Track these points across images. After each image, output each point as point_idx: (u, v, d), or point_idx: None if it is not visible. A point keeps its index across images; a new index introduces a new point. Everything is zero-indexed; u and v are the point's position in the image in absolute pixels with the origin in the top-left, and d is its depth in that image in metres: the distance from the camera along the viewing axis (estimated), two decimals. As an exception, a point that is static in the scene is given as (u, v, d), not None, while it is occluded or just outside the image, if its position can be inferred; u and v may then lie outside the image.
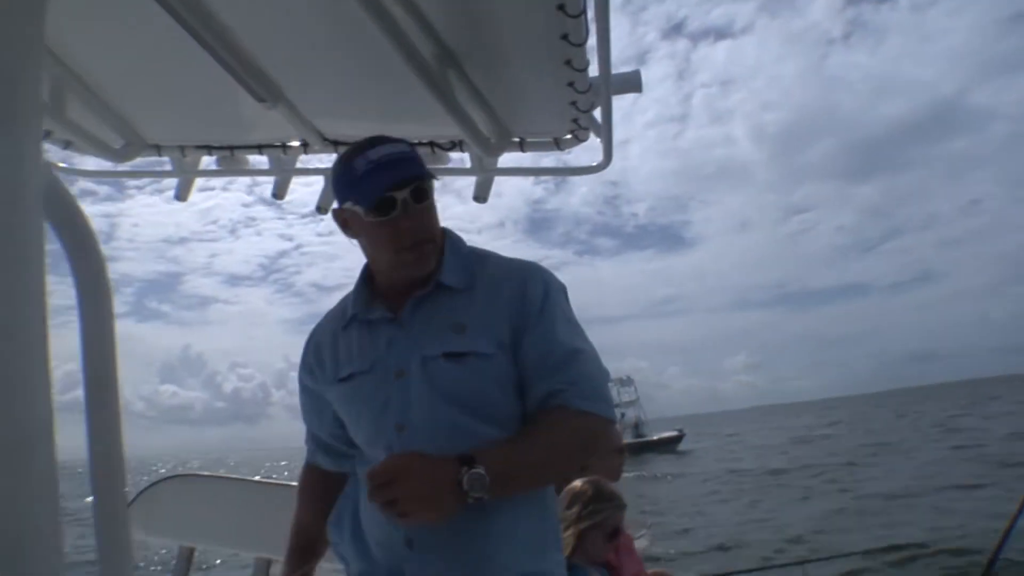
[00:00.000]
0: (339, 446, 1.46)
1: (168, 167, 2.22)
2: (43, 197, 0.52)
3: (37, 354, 0.50)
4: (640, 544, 3.40)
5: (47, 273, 0.52)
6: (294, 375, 1.53)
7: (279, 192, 2.22)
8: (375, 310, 1.35)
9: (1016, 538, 4.27)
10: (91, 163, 2.14)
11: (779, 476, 22.04)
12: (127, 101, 1.89)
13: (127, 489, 0.80)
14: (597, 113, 1.76)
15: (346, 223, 1.33)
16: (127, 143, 2.02)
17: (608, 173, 1.99)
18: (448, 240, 1.37)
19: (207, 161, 2.20)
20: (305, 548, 1.50)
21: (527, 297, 1.30)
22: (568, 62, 1.44)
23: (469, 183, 2.22)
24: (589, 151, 1.98)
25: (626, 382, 47.15)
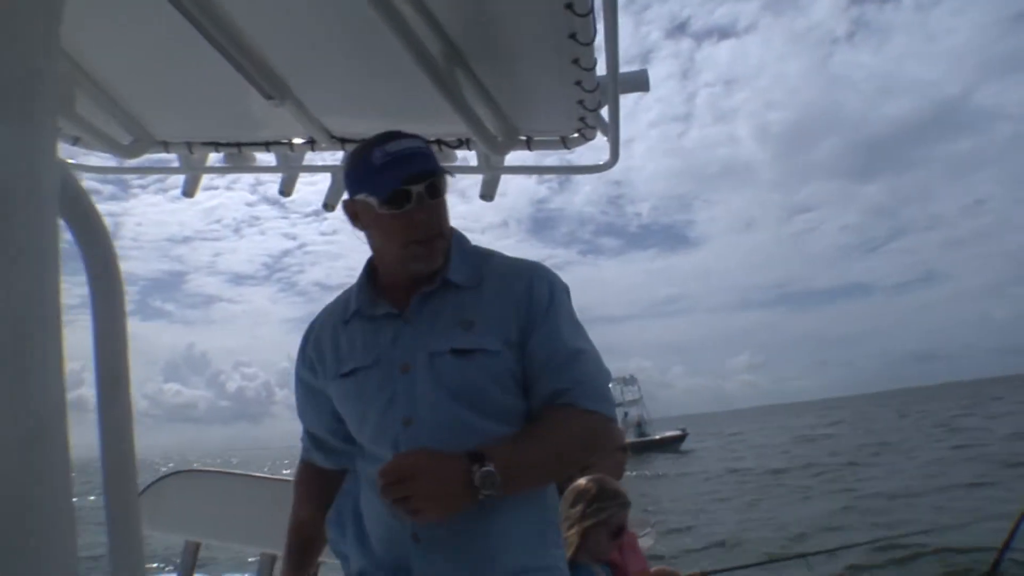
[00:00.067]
0: (336, 443, 1.44)
1: (175, 164, 2.23)
2: (58, 194, 0.52)
3: (52, 350, 0.50)
4: (644, 542, 3.40)
5: (62, 270, 0.52)
6: None
7: (286, 189, 2.23)
8: (380, 305, 1.36)
9: (1020, 538, 4.27)
10: (97, 159, 2.14)
11: (781, 475, 22.01)
12: (136, 98, 1.90)
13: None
14: (604, 112, 1.77)
15: (356, 215, 1.34)
16: (135, 139, 2.03)
17: (612, 173, 1.99)
18: (454, 238, 1.38)
19: (214, 158, 2.20)
20: (304, 546, 1.51)
21: (534, 297, 1.31)
22: (576, 61, 1.44)
23: (472, 182, 2.23)
24: (594, 150, 1.99)
25: (629, 381, 47.10)
